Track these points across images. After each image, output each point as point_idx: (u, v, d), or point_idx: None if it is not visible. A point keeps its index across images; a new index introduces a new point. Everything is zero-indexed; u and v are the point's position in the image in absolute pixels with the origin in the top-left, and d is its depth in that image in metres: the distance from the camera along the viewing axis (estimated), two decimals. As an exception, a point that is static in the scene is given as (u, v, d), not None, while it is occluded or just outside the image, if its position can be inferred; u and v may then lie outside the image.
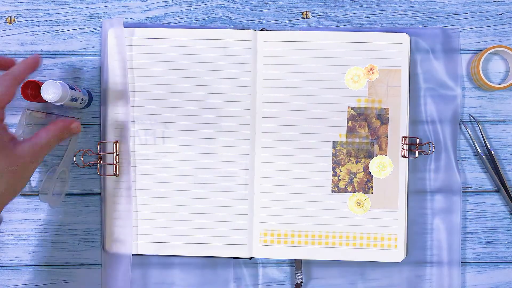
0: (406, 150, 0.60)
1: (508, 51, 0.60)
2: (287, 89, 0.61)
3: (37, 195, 0.61)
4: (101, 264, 0.62)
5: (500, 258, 0.61)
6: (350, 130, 0.61)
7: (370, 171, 0.60)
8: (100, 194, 0.62)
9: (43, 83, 0.54)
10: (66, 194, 0.62)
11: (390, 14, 0.63)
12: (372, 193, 0.60)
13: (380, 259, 0.59)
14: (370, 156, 0.60)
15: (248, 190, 0.61)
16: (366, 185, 0.60)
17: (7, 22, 0.63)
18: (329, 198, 0.60)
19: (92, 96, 0.62)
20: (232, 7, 0.64)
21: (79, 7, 0.63)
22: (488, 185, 0.62)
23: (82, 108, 0.62)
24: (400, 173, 0.60)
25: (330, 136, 0.61)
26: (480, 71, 0.60)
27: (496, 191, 0.62)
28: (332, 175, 0.60)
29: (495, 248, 0.61)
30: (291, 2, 0.64)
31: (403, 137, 0.60)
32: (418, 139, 0.60)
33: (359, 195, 0.60)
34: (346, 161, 0.60)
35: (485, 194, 0.62)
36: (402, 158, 0.60)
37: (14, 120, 0.62)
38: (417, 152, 0.60)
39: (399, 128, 0.60)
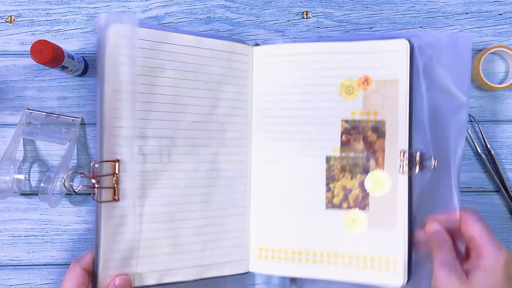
0: (406, 165, 0.55)
1: (508, 51, 0.60)
2: (282, 103, 0.59)
3: (37, 195, 0.61)
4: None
5: (500, 258, 0.61)
6: (344, 144, 0.57)
7: (366, 187, 0.57)
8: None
9: (55, 44, 0.55)
10: (66, 194, 0.62)
11: (390, 14, 0.63)
12: (368, 210, 0.57)
13: (377, 281, 0.55)
14: (366, 171, 0.56)
15: (246, 205, 0.59)
16: (362, 202, 0.56)
17: (7, 22, 0.63)
18: (324, 215, 0.57)
19: (88, 64, 0.62)
20: (232, 7, 0.64)
21: (79, 7, 0.63)
22: (488, 185, 0.62)
23: (78, 76, 0.62)
24: (399, 190, 0.55)
25: (324, 150, 0.58)
26: (480, 71, 0.60)
27: (496, 191, 0.62)
28: (326, 191, 0.57)
29: (495, 248, 0.61)
30: (291, 2, 0.64)
31: (402, 151, 0.56)
32: (418, 153, 0.55)
33: (355, 212, 0.56)
34: (340, 176, 0.57)
35: (485, 194, 0.62)
36: (401, 174, 0.55)
37: (14, 120, 0.62)
38: (417, 167, 0.55)
39: (397, 141, 0.55)
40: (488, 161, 0.61)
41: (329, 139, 0.58)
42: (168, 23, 0.63)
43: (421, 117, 0.56)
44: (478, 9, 0.63)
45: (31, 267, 0.62)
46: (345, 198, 0.57)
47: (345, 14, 0.63)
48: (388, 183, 0.56)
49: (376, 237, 0.56)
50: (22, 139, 0.62)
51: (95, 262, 0.51)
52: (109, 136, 0.51)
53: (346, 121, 0.57)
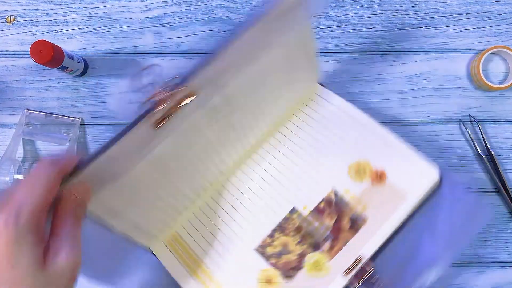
0: (352, 273, 0.50)
1: (508, 51, 0.60)
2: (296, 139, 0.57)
3: (37, 195, 0.61)
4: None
5: (500, 259, 0.61)
6: (317, 211, 0.53)
7: (303, 261, 0.52)
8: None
9: (55, 44, 0.55)
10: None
11: (390, 14, 0.63)
12: (289, 282, 0.52)
13: None
14: (315, 248, 0.52)
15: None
16: (289, 272, 0.52)
17: (7, 22, 0.63)
18: (247, 253, 0.53)
19: (87, 64, 0.62)
20: (232, 7, 0.64)
21: (79, 7, 0.63)
22: (488, 185, 0.62)
23: (77, 76, 0.62)
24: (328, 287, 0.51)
25: (297, 201, 0.54)
26: (481, 72, 0.60)
27: (496, 191, 0.62)
28: (268, 236, 0.53)
29: (495, 249, 0.61)
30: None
31: (359, 258, 0.51)
32: (371, 270, 0.51)
33: (274, 275, 0.52)
34: (290, 233, 0.53)
35: (485, 194, 0.62)
36: (342, 276, 0.51)
37: (14, 120, 0.62)
38: (360, 282, 0.50)
39: (363, 246, 0.51)
40: (488, 162, 0.61)
41: (308, 196, 0.54)
42: (168, 23, 0.63)
43: (399, 244, 0.53)
44: (478, 10, 0.63)
45: (31, 267, 0.62)
46: (278, 255, 0.53)
47: (345, 14, 0.63)
48: (325, 274, 0.51)
49: None
50: (21, 139, 0.62)
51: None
52: None
53: (335, 194, 0.54)
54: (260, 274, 0.52)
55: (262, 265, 0.53)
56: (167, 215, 0.54)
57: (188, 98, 0.40)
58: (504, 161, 0.62)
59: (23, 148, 0.62)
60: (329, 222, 0.53)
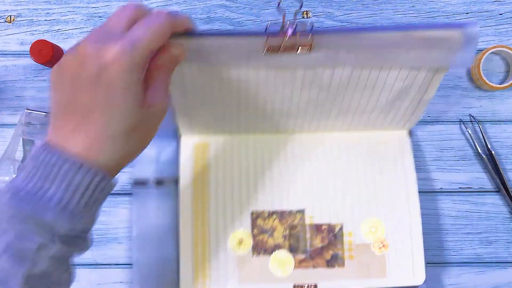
0: None
1: (509, 51, 0.60)
2: None
3: (37, 195, 0.61)
4: (102, 264, 0.62)
5: (500, 259, 0.61)
6: (316, 228, 0.58)
7: (274, 252, 0.57)
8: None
9: (55, 44, 0.54)
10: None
11: (390, 14, 0.63)
12: (253, 255, 0.57)
13: None
14: (291, 250, 0.57)
15: None
16: (260, 249, 0.57)
17: (6, 22, 0.63)
18: (244, 212, 0.58)
19: None
20: (232, 6, 0.64)
21: (79, 7, 0.63)
22: (489, 185, 0.62)
23: None
24: (275, 286, 0.56)
25: (309, 207, 0.58)
26: (481, 71, 0.60)
27: (497, 191, 0.62)
28: (268, 211, 0.58)
29: (496, 249, 0.61)
30: (292, 1, 0.64)
31: (313, 285, 0.56)
32: None
33: (249, 240, 0.57)
34: (284, 224, 0.57)
35: (486, 194, 0.62)
36: (292, 285, 0.56)
37: (14, 120, 0.62)
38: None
39: (324, 280, 0.57)
40: (489, 161, 0.61)
41: (320, 211, 0.58)
42: (168, 23, 0.63)
43: None
44: (478, 9, 0.63)
45: (31, 267, 0.62)
46: (262, 231, 0.57)
47: (346, 14, 0.63)
48: (281, 274, 0.57)
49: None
50: (21, 139, 0.62)
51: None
52: None
53: (340, 229, 0.58)
54: (239, 231, 0.57)
55: (246, 227, 0.57)
56: (219, 122, 0.56)
57: (307, 49, 0.41)
58: (504, 161, 0.62)
59: (23, 148, 0.62)
60: (317, 243, 0.57)
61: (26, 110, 0.62)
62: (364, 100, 0.51)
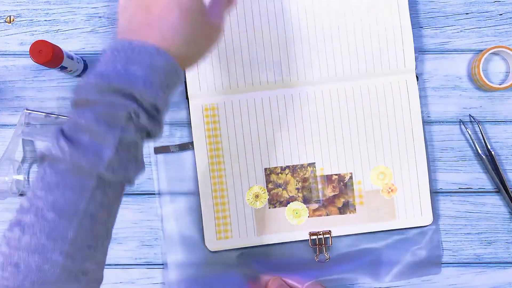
0: (315, 236, 0.60)
1: (509, 51, 0.60)
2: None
3: (37, 195, 0.61)
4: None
5: (500, 259, 0.61)
6: (327, 178, 0.60)
7: (289, 203, 0.61)
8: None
9: (54, 44, 0.55)
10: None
11: (390, 14, 0.63)
12: (269, 208, 0.61)
13: None
14: (304, 201, 0.61)
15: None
16: (276, 202, 0.60)
17: (6, 22, 0.63)
18: (258, 168, 0.61)
19: (87, 64, 0.62)
20: (232, 7, 0.64)
21: (78, 7, 0.63)
22: (489, 185, 0.62)
23: (77, 76, 0.62)
24: (292, 234, 0.60)
25: (319, 160, 0.61)
26: (481, 71, 0.60)
27: (497, 191, 0.62)
28: (281, 166, 0.61)
29: (496, 249, 0.61)
30: None
31: (326, 231, 0.60)
32: (329, 246, 0.60)
33: (264, 194, 0.61)
34: (296, 177, 0.60)
35: (486, 194, 0.62)
36: (307, 233, 0.60)
37: (14, 120, 0.62)
38: (315, 246, 0.60)
39: (336, 226, 0.60)
40: (489, 162, 0.61)
41: (330, 163, 0.61)
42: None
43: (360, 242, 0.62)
44: (478, 9, 0.63)
45: (31, 267, 0.62)
46: (277, 185, 0.61)
47: (345, 14, 0.63)
48: (296, 223, 0.60)
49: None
50: (21, 139, 0.62)
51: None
52: None
53: (350, 177, 0.61)
54: (255, 187, 0.61)
55: (261, 182, 0.61)
56: (224, 78, 0.61)
57: None
58: (504, 161, 0.62)
59: (23, 148, 0.62)
60: (329, 192, 0.61)
61: (25, 111, 0.62)
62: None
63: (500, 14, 0.63)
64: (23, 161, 0.62)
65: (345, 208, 0.60)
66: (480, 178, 0.62)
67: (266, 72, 0.60)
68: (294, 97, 0.61)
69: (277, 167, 0.61)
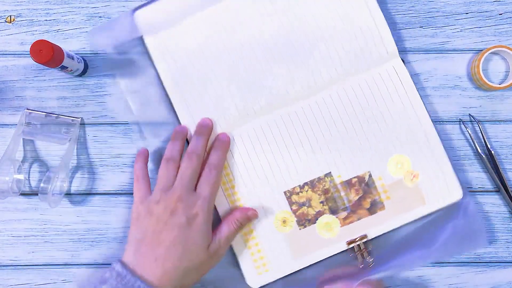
0: (353, 244, 0.59)
1: (509, 51, 0.60)
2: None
3: (37, 195, 0.61)
4: (102, 264, 0.62)
5: (500, 258, 0.61)
6: (348, 183, 0.59)
7: (318, 218, 0.59)
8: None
9: (55, 44, 0.55)
10: (66, 194, 0.62)
11: (390, 14, 0.63)
12: (300, 228, 0.60)
13: None
14: (332, 212, 0.59)
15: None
16: (304, 221, 0.59)
17: (6, 22, 0.63)
18: (276, 194, 0.60)
19: (87, 64, 0.62)
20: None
21: (79, 7, 0.63)
22: (488, 185, 0.62)
23: (77, 76, 0.62)
24: (323, 250, 0.59)
25: (336, 168, 0.60)
26: (480, 71, 0.60)
27: (496, 191, 0.62)
28: (299, 185, 0.60)
29: (496, 248, 0.61)
30: None
31: (363, 236, 0.59)
32: (369, 249, 0.59)
33: (291, 217, 0.60)
34: (317, 191, 0.59)
35: (485, 194, 0.62)
36: (345, 243, 0.59)
37: (14, 119, 0.62)
38: (356, 254, 0.59)
39: (371, 227, 0.59)
40: (489, 161, 0.61)
41: (346, 168, 0.60)
42: (168, 23, 0.63)
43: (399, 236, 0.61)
44: (478, 9, 0.63)
45: (31, 267, 0.62)
46: (300, 205, 0.60)
47: (345, 14, 0.63)
48: (331, 236, 0.59)
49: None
50: (21, 139, 0.62)
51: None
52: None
53: (369, 176, 0.59)
54: (279, 213, 0.60)
55: (284, 207, 0.60)
56: (217, 107, 0.60)
57: None
58: (504, 160, 0.62)
59: (23, 148, 0.62)
60: (353, 196, 0.60)
61: (26, 110, 0.62)
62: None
63: (500, 14, 0.63)
64: (23, 160, 0.62)
65: (374, 207, 0.59)
66: (480, 178, 0.62)
67: (258, 98, 0.59)
68: (292, 116, 0.60)
69: (295, 187, 0.60)
